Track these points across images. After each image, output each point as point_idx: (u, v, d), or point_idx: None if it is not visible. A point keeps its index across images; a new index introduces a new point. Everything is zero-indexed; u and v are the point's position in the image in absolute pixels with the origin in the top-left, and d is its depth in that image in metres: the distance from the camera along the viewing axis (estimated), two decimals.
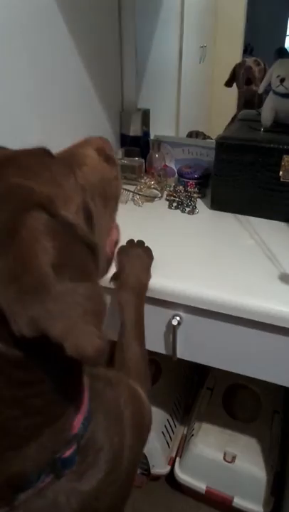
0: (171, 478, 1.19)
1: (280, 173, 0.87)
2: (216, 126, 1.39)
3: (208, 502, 1.16)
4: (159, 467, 1.19)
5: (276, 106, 0.92)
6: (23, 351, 0.30)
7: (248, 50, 1.41)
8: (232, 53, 1.43)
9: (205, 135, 1.38)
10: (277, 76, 0.88)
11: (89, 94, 0.97)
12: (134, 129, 1.13)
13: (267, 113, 0.94)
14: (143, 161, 1.13)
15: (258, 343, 0.72)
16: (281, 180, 0.87)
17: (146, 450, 1.16)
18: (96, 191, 0.42)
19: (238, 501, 1.09)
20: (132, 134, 1.13)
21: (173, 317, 0.75)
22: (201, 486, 1.13)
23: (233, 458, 1.09)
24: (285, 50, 1.38)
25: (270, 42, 1.44)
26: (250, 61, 1.26)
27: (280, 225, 0.92)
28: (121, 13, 1.06)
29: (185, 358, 0.81)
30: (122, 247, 0.75)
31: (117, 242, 0.51)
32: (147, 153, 1.15)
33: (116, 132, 1.13)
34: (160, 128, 1.26)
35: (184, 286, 0.72)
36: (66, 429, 0.39)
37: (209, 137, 1.36)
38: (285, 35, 1.40)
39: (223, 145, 0.90)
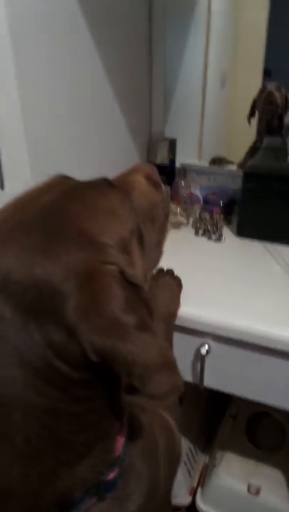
0: (192, 509, 1.16)
1: None
2: (237, 151, 1.41)
3: None
4: (180, 497, 1.16)
5: None
6: (84, 372, 0.32)
7: (266, 73, 1.44)
8: (252, 77, 1.45)
9: (228, 161, 1.41)
10: None
11: (119, 123, 1.01)
12: (161, 158, 1.16)
13: None
14: (169, 188, 1.15)
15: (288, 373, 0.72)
16: None
17: None
18: (146, 214, 0.46)
19: None
20: (158, 162, 1.16)
21: (201, 345, 0.75)
22: None
23: (258, 490, 1.06)
24: None
25: (288, 64, 1.47)
26: (271, 87, 1.29)
27: None
28: (152, 40, 1.10)
29: (212, 387, 0.81)
30: (152, 276, 0.77)
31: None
32: (173, 181, 1.18)
33: (143, 160, 1.17)
34: (183, 154, 1.29)
35: (213, 315, 0.73)
36: (111, 450, 0.39)
37: (231, 162, 1.38)
38: None
39: (250, 174, 0.92)
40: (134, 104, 1.06)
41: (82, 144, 0.87)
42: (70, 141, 0.84)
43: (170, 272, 0.78)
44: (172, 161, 1.18)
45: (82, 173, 0.88)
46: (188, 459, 1.20)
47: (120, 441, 0.40)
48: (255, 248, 0.94)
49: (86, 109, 0.87)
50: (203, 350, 0.74)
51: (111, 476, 0.39)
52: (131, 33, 0.99)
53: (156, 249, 0.50)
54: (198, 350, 0.76)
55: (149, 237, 0.45)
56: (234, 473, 1.10)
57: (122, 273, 0.33)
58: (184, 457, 1.18)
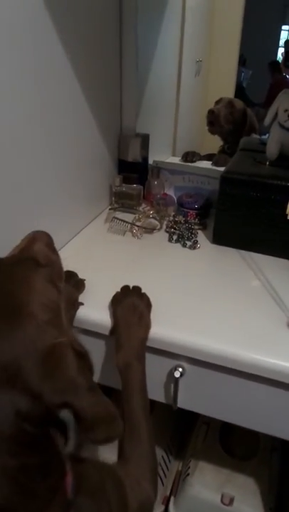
0: None
1: (287, 210, 0.83)
2: (211, 142, 1.36)
3: None
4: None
5: (282, 139, 0.88)
6: (44, 427, 0.38)
7: (240, 61, 1.39)
8: (227, 65, 1.41)
9: (201, 156, 1.35)
10: (285, 110, 0.84)
11: (86, 118, 0.92)
12: (133, 155, 1.08)
13: (272, 146, 0.90)
14: (141, 187, 1.08)
15: (264, 397, 0.69)
16: (288, 218, 0.83)
17: None
18: (58, 280, 0.53)
19: None
20: (130, 159, 1.08)
21: (175, 368, 0.70)
22: None
23: (231, 500, 1.04)
24: (278, 62, 1.37)
25: (262, 53, 1.41)
26: (223, 104, 1.23)
27: (286, 263, 0.88)
28: (122, 31, 1.01)
29: (186, 408, 0.76)
30: (117, 295, 0.70)
31: None
32: (146, 179, 1.11)
33: (114, 158, 1.08)
34: (157, 149, 1.22)
35: (187, 337, 0.68)
36: (66, 491, 0.41)
37: (204, 158, 1.33)
38: (277, 47, 1.38)
39: (227, 180, 0.86)
40: (102, 97, 0.97)
41: (47, 141, 0.79)
42: (35, 138, 0.75)
43: (136, 291, 0.71)
44: (145, 159, 1.11)
45: (51, 172, 0.80)
46: (161, 467, 1.17)
47: (69, 481, 0.42)
48: (232, 258, 0.89)
49: (51, 103, 0.78)
50: (177, 374, 0.70)
51: None
52: (99, 22, 0.90)
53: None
54: (171, 372, 0.71)
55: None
56: (207, 483, 1.07)
57: (71, 345, 0.39)
58: None
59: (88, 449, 0.46)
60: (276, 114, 0.89)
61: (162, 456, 1.18)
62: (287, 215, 0.84)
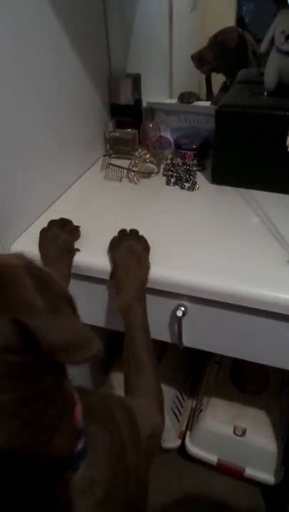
0: (182, 448, 1.20)
1: (287, 142, 0.79)
2: (214, 81, 1.30)
3: (220, 472, 1.18)
4: (170, 442, 1.20)
5: (280, 66, 0.83)
6: (28, 353, 0.34)
7: None
8: None
9: (198, 97, 1.29)
10: (282, 32, 0.78)
11: (71, 60, 0.87)
12: (125, 97, 1.03)
13: (270, 75, 0.85)
14: (136, 132, 1.05)
15: (266, 330, 0.69)
16: (288, 150, 0.80)
17: None
18: None
19: (249, 472, 1.11)
20: (122, 102, 1.04)
21: (177, 308, 0.71)
22: (212, 458, 1.15)
23: (243, 431, 1.09)
24: None
25: None
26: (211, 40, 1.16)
27: (287, 198, 0.86)
28: None
29: (192, 346, 0.78)
30: (114, 240, 0.70)
31: None
32: (140, 123, 1.07)
33: (105, 102, 1.04)
34: (151, 91, 1.16)
35: (187, 276, 0.67)
36: (74, 418, 0.40)
37: (202, 99, 1.27)
38: None
39: (223, 114, 0.82)
40: (86, 36, 0.91)
41: (27, 89, 0.75)
42: (15, 85, 0.72)
43: (134, 234, 0.71)
44: (138, 101, 1.06)
45: (37, 122, 0.78)
46: (176, 405, 1.22)
47: (78, 410, 0.41)
48: (232, 197, 0.87)
49: (31, 45, 0.73)
50: (179, 313, 0.70)
51: (80, 446, 0.40)
52: None
53: None
54: (174, 312, 0.72)
55: None
56: (220, 417, 1.12)
57: (28, 264, 0.37)
58: (171, 405, 1.19)
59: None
60: (273, 39, 0.83)
61: (176, 396, 1.23)
62: (287, 147, 0.81)
